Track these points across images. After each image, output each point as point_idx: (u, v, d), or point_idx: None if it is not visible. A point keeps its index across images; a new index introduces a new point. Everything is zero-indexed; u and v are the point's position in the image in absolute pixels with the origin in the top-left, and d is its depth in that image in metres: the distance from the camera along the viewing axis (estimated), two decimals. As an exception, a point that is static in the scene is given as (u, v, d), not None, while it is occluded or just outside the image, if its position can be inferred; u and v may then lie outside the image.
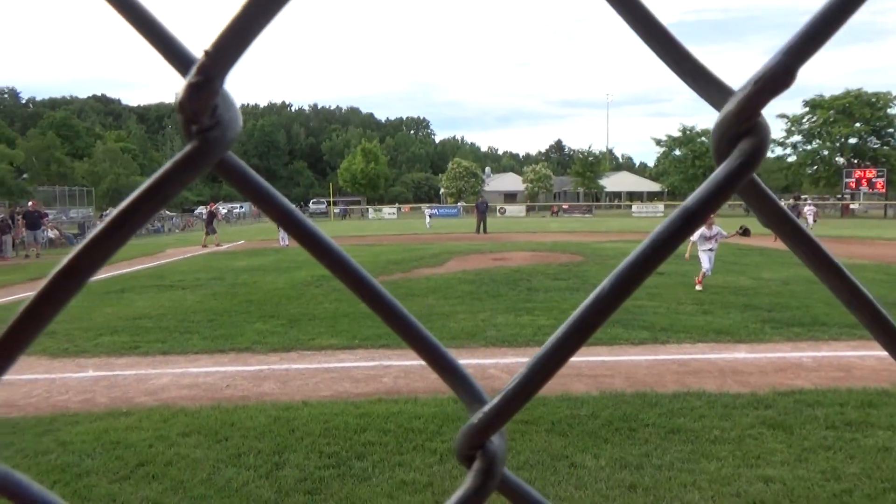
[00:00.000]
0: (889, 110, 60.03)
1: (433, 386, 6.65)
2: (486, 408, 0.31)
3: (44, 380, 7.17)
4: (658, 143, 73.74)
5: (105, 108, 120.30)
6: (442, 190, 75.62)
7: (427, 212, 45.54)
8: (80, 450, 5.06)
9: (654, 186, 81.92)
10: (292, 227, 0.28)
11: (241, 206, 67.45)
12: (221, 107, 0.25)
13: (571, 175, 78.79)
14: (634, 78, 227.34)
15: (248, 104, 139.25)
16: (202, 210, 36.85)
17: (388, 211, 66.80)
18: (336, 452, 4.98)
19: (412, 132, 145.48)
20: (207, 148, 0.25)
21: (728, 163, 0.26)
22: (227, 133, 0.25)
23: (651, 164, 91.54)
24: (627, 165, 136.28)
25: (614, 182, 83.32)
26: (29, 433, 5.44)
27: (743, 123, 0.25)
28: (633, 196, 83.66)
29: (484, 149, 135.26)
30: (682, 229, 0.28)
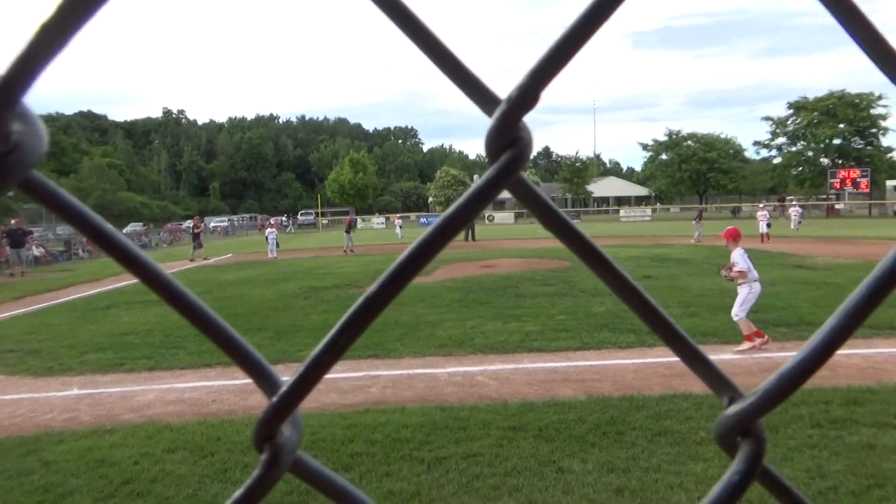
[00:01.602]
0: (872, 111, 60.74)
1: (421, 395, 6.65)
2: (280, 394, 0.32)
3: (27, 399, 7.10)
4: (645, 147, 74.30)
5: (91, 124, 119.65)
6: (430, 199, 75.73)
7: (397, 222, 44.38)
8: (65, 469, 5.02)
9: (642, 191, 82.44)
10: (104, 242, 0.29)
11: (227, 221, 67.21)
12: (20, 130, 0.26)
13: (559, 181, 79.12)
14: (621, 83, 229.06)
15: (235, 117, 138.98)
16: (189, 224, 36.73)
17: (377, 221, 66.77)
18: (323, 464, 4.95)
19: (400, 141, 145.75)
20: (4, 172, 0.25)
21: (489, 172, 0.28)
22: (27, 156, 0.26)
23: (638, 168, 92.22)
24: (615, 170, 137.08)
25: (602, 187, 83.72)
26: (12, 453, 5.39)
27: (504, 136, 0.28)
28: (621, 201, 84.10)
29: (472, 157, 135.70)
30: (439, 237, 0.30)
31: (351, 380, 7.29)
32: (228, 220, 68.20)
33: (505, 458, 4.97)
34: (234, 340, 0.33)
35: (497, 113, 0.28)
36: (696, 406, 5.87)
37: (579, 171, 74.02)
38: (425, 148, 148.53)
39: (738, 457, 0.33)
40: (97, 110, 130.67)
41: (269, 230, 27.32)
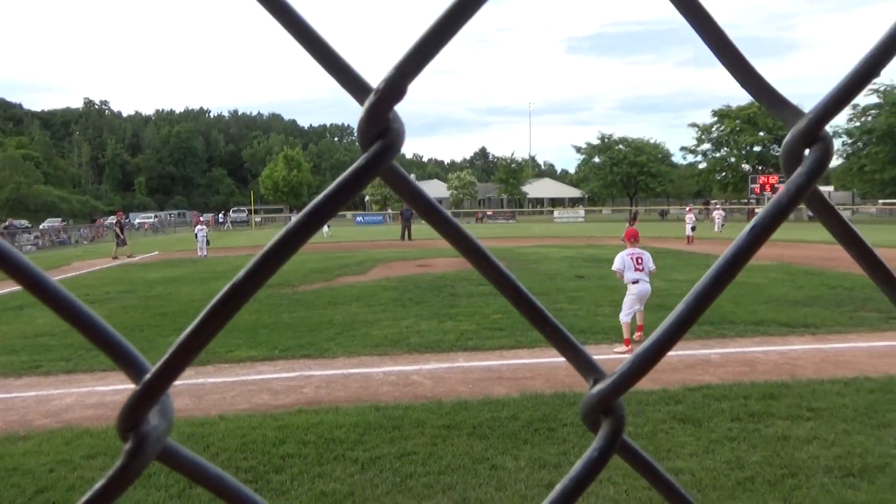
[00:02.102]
0: (789, 121, 63.87)
1: (355, 395, 6.59)
2: (144, 381, 0.32)
3: (-70, 405, 6.64)
4: (578, 150, 75.94)
5: (4, 113, 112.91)
6: (367, 197, 75.16)
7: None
8: (-29, 478, 4.71)
9: (575, 192, 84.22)
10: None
11: (154, 217, 64.75)
12: None
13: (495, 182, 79.98)
14: (556, 87, 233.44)
15: (162, 110, 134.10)
16: (112, 220, 35.10)
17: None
18: (253, 467, 4.85)
19: (336, 139, 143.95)
20: None
21: (359, 161, 0.30)
22: None
23: (572, 170, 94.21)
24: (549, 172, 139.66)
25: (537, 188, 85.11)
26: (-88, 463, 5.02)
27: (374, 126, 0.30)
28: (555, 202, 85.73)
29: (409, 156, 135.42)
30: (308, 224, 0.31)
31: (283, 380, 7.15)
32: (156, 216, 65.70)
33: (439, 456, 4.98)
34: (97, 325, 0.32)
35: (366, 104, 0.30)
36: (624, 401, 6.03)
37: (515, 172, 75.06)
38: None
39: (599, 434, 0.35)
40: (11, 98, 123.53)
41: (198, 227, 26.47)
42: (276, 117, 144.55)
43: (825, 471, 4.60)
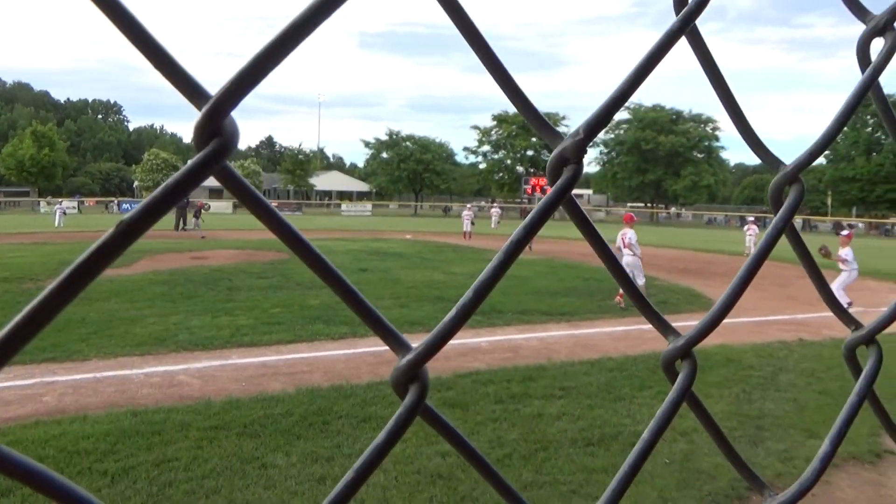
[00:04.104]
0: (558, 128, 70.83)
1: (109, 400, 5.97)
2: None
3: None
4: (367, 144, 76.79)
5: None
6: (137, 183, 68.59)
7: (57, 208, 36.24)
8: None
9: (364, 186, 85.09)
10: None
11: None
12: None
13: (281, 172, 77.80)
14: (347, 80, 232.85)
15: None
16: None
17: (69, 205, 58.25)
18: (-29, 491, 4.16)
19: (100, 116, 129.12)
20: None
21: (193, 160, 0.32)
22: None
23: (361, 164, 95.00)
24: (338, 165, 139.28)
25: (325, 181, 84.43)
26: None
27: (209, 127, 0.32)
28: (343, 195, 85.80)
29: (187, 140, 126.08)
30: (138, 223, 0.30)
31: (18, 388, 6.24)
32: None
33: (204, 459, 4.70)
34: None
35: (205, 107, 0.32)
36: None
37: (302, 164, 73.70)
38: (131, 126, 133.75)
39: (405, 400, 0.40)
40: None
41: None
42: (22, 87, 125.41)
43: (571, 442, 5.16)
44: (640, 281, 11.85)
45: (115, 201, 63.65)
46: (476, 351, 8.09)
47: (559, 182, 0.44)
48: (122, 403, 5.88)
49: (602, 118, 0.45)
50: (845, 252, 12.02)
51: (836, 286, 12.00)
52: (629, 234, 11.90)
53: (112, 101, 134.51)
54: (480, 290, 0.40)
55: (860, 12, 0.56)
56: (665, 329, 0.51)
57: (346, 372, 6.97)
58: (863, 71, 0.56)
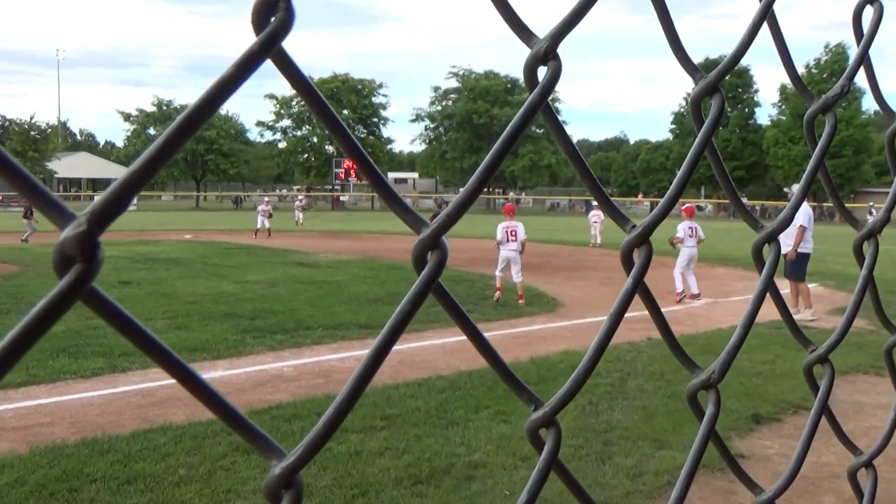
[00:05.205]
0: (374, 99, 71.82)
1: None
2: None
3: None
4: (127, 118, 72.47)
5: None
6: None
7: None
8: None
9: (124, 171, 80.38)
10: None
11: None
12: None
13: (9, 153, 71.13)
14: (98, 33, 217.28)
15: None
16: None
17: None
18: None
19: None
20: None
21: None
22: None
23: (120, 144, 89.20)
24: (89, 144, 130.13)
25: (71, 166, 78.51)
26: None
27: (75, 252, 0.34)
28: (99, 183, 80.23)
29: None
30: None
31: None
32: None
33: None
34: None
35: (71, 230, 0.34)
36: (175, 439, 5.94)
37: (36, 143, 67.75)
38: None
39: None
40: None
41: None
42: None
43: (395, 483, 5.25)
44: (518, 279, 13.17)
45: None
46: (278, 379, 7.95)
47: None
48: None
49: (115, 204, 0.37)
50: (680, 227, 13.92)
51: (675, 269, 13.62)
52: (519, 228, 13.19)
53: None
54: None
55: (525, 35, 0.59)
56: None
57: (101, 420, 6.52)
58: (697, 128, 0.74)
